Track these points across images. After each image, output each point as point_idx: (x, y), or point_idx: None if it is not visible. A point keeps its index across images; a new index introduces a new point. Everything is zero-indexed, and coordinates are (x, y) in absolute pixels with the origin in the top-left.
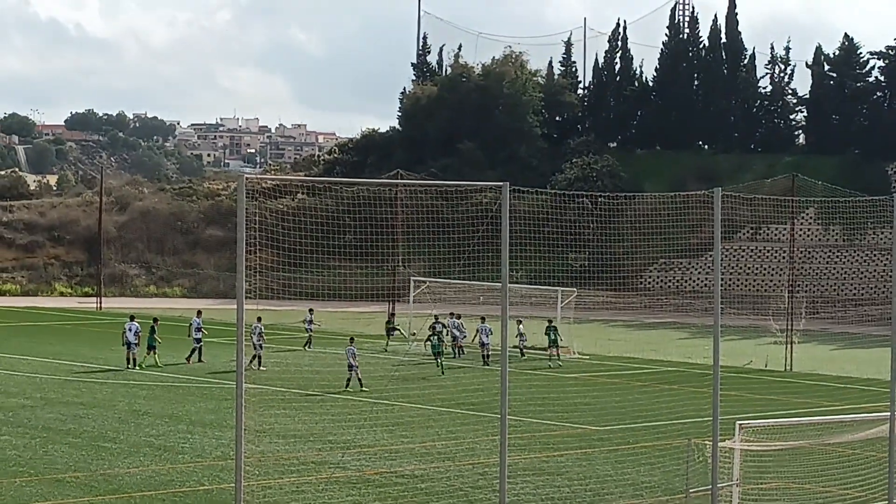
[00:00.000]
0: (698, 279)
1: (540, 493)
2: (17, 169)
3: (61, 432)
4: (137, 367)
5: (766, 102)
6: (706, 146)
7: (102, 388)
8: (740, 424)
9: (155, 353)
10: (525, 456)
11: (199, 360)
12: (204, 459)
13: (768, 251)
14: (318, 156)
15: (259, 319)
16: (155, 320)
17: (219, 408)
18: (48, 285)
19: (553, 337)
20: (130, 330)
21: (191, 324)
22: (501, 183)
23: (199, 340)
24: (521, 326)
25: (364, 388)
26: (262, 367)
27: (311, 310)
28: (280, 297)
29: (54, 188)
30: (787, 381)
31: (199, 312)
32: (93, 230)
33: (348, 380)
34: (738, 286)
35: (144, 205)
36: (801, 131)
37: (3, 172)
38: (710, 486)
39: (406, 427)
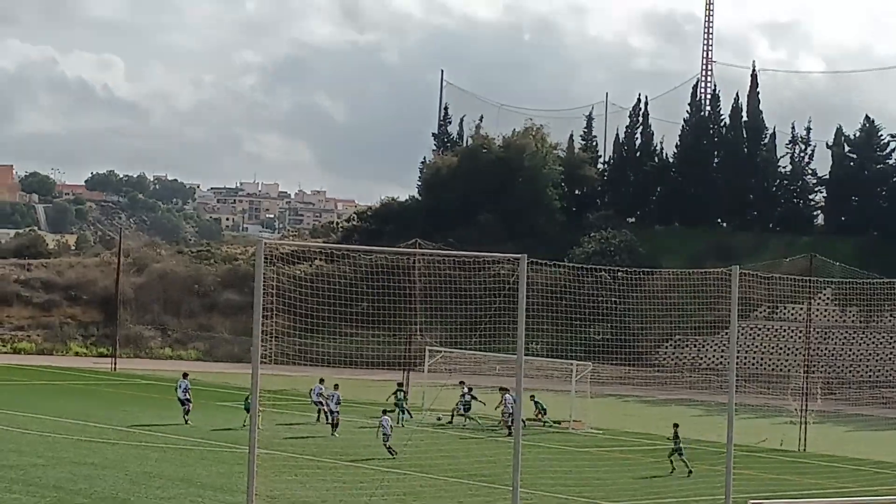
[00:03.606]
0: (713, 356)
1: None
2: (36, 228)
3: (72, 492)
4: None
5: (785, 182)
6: (724, 224)
7: (115, 449)
8: None
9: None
10: None
11: (185, 422)
12: None
13: (785, 330)
14: (337, 223)
15: (336, 387)
16: (185, 375)
17: (230, 472)
18: (64, 344)
19: (538, 404)
20: (180, 387)
21: (178, 385)
22: (519, 255)
23: (186, 402)
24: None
25: (393, 456)
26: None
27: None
28: (295, 363)
29: (73, 248)
30: (800, 461)
31: (185, 374)
32: (110, 291)
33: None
34: (753, 365)
35: (162, 267)
36: (820, 211)
37: (22, 231)
38: None
39: (417, 497)
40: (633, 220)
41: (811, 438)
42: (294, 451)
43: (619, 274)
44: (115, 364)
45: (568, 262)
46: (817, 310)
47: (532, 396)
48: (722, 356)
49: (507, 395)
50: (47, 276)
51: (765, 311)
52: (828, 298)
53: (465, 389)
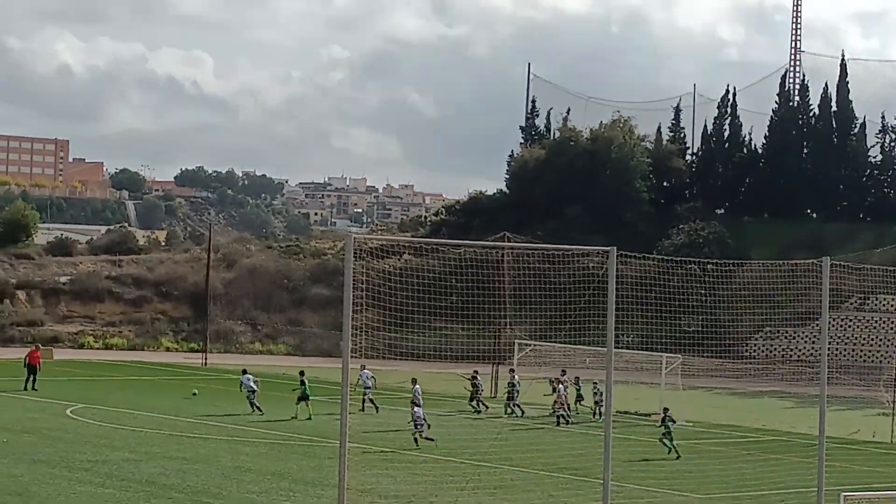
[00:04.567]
0: (804, 348)
1: None
2: (126, 224)
3: (164, 487)
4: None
5: (875, 171)
6: (814, 214)
7: (206, 444)
8: (845, 496)
9: (307, 405)
10: None
11: (257, 411)
12: None
13: (876, 321)
14: (425, 217)
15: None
16: (301, 373)
17: (321, 466)
18: (155, 340)
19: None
20: (248, 382)
21: (242, 382)
22: (609, 248)
23: (252, 393)
24: (598, 386)
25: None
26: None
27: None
28: (384, 357)
29: (163, 244)
30: (893, 453)
31: (245, 371)
32: (200, 286)
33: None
34: (844, 356)
35: (251, 262)
36: None
37: (113, 227)
38: None
39: (508, 490)
40: (722, 211)
41: None
42: (384, 444)
43: (709, 266)
44: (206, 359)
45: (657, 254)
46: None
47: (595, 384)
48: (813, 347)
49: (559, 386)
50: (138, 272)
51: (856, 301)
52: None
53: (513, 377)
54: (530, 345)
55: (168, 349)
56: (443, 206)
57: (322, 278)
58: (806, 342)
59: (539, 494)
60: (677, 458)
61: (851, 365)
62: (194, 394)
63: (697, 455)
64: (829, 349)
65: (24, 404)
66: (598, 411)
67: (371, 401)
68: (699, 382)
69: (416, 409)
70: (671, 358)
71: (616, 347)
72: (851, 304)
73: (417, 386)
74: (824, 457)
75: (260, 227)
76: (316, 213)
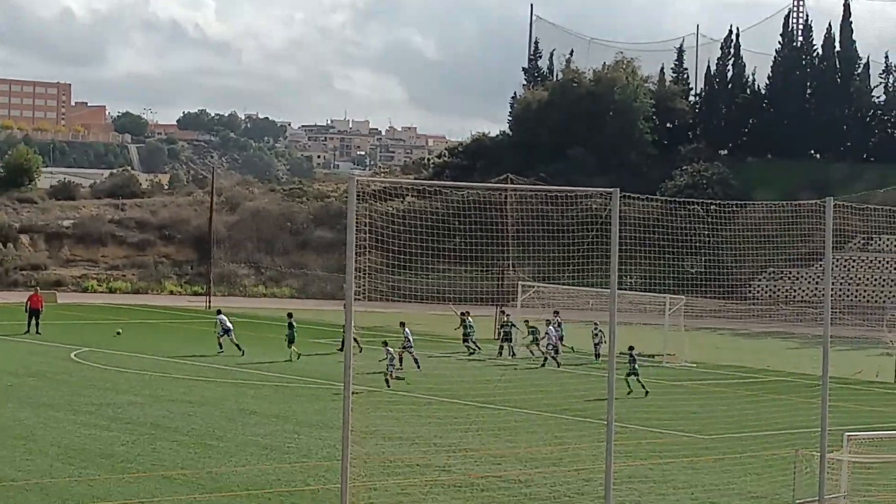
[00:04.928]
0: (808, 289)
1: (645, 501)
2: (129, 167)
3: (169, 430)
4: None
5: (879, 112)
6: (818, 155)
7: (210, 387)
8: (849, 436)
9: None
10: (630, 463)
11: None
12: (310, 460)
13: (880, 262)
14: (428, 159)
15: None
16: (289, 315)
17: (325, 409)
18: (158, 283)
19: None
20: (223, 322)
21: (217, 322)
22: (612, 189)
23: (227, 332)
24: (598, 328)
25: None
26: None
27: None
28: (388, 300)
29: (166, 187)
30: None
31: (220, 311)
32: (203, 229)
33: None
34: (848, 296)
35: (254, 205)
36: None
37: (115, 171)
38: (818, 498)
39: (511, 431)
40: (726, 152)
41: None
42: (391, 388)
43: (712, 207)
44: (210, 302)
45: (660, 195)
46: None
47: (595, 325)
48: (816, 288)
49: (549, 328)
50: (141, 215)
51: (859, 242)
52: None
53: (506, 318)
54: (534, 286)
55: (172, 293)
56: (446, 149)
57: (325, 221)
58: (809, 283)
59: (543, 436)
60: (646, 394)
61: (855, 305)
62: (118, 333)
63: (701, 396)
64: (832, 290)
65: (28, 348)
66: (598, 353)
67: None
68: (702, 323)
69: (387, 348)
70: (674, 299)
71: (619, 289)
72: (855, 244)
73: (408, 329)
74: (828, 397)
75: (263, 170)
76: (319, 156)
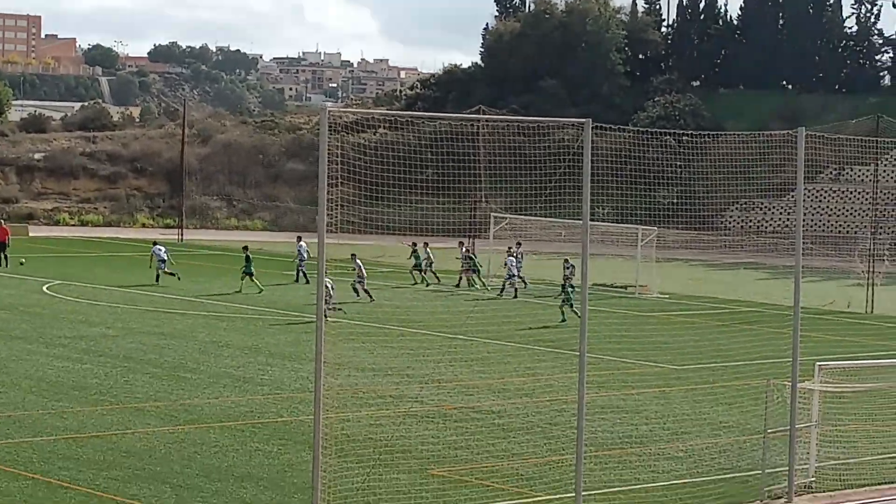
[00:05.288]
0: (779, 220)
1: (617, 431)
2: (100, 100)
3: (142, 362)
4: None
5: (851, 42)
6: (790, 86)
7: (183, 319)
8: (820, 365)
9: (253, 280)
10: (603, 393)
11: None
12: (283, 391)
13: (852, 193)
14: (400, 91)
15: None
16: (245, 248)
17: (298, 340)
18: (130, 216)
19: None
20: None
21: (153, 253)
22: (584, 120)
23: (163, 263)
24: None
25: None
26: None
27: (425, 244)
28: (360, 231)
29: (137, 120)
30: (867, 323)
31: (156, 242)
32: (175, 162)
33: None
34: (819, 227)
35: (226, 138)
36: (886, 72)
37: (86, 103)
38: (789, 427)
39: (484, 363)
40: (698, 83)
41: (878, 300)
42: (361, 318)
43: (684, 138)
44: (182, 235)
45: (632, 126)
46: (884, 171)
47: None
48: (788, 219)
49: (509, 258)
50: (113, 148)
51: (831, 173)
52: (895, 159)
53: (465, 249)
54: (506, 218)
55: (144, 225)
56: (418, 80)
57: (297, 153)
58: (781, 214)
59: (515, 367)
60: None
61: (826, 236)
62: (21, 263)
63: (673, 327)
64: (804, 220)
65: None
66: (566, 286)
67: (304, 274)
68: (674, 254)
69: (326, 280)
70: (647, 230)
71: (591, 220)
72: (827, 175)
73: (358, 260)
74: (799, 327)
75: (235, 102)
76: (291, 89)
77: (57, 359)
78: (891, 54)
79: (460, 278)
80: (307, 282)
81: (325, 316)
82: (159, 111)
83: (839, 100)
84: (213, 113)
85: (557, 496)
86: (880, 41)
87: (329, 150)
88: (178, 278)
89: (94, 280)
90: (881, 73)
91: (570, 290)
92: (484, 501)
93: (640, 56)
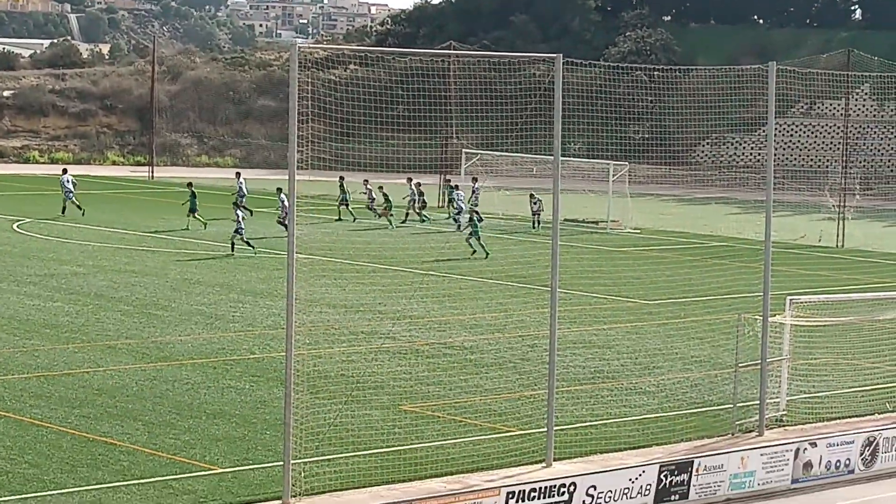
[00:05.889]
0: (751, 154)
1: (589, 366)
2: (69, 37)
3: (113, 300)
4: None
5: None
6: (761, 21)
7: (154, 257)
8: (791, 300)
9: (197, 216)
10: (574, 329)
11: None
12: (254, 328)
13: (822, 127)
14: (371, 27)
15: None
16: (189, 184)
17: (269, 277)
18: (101, 154)
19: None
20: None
21: (61, 182)
22: (555, 55)
23: (69, 194)
24: (535, 196)
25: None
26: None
27: (365, 181)
28: (332, 168)
29: (107, 57)
30: (838, 257)
31: (65, 170)
32: (145, 99)
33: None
34: (791, 162)
35: (196, 74)
36: (857, 6)
37: (55, 41)
38: (760, 361)
39: (455, 299)
40: (669, 18)
41: (849, 234)
42: (332, 255)
43: (655, 73)
44: (153, 172)
45: (604, 61)
46: (855, 105)
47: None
48: (759, 154)
49: (456, 192)
50: (82, 85)
51: (802, 107)
52: (865, 94)
53: (413, 186)
54: (477, 154)
55: (114, 163)
56: (388, 16)
57: (268, 90)
58: (752, 148)
59: (487, 302)
60: (486, 256)
61: (798, 171)
62: None
63: (644, 262)
64: (775, 155)
65: None
66: (535, 221)
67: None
68: (646, 190)
69: (238, 211)
70: (618, 166)
71: (563, 156)
72: (798, 110)
73: (283, 195)
74: (770, 261)
75: (204, 39)
76: (261, 25)
77: (28, 297)
78: None
79: (407, 214)
80: (82, 212)
81: (233, 246)
82: (129, 48)
83: (810, 34)
84: (183, 50)
85: (529, 431)
86: None
87: (300, 86)
88: (84, 213)
89: (63, 218)
90: (853, 7)
91: (477, 221)
92: (456, 437)
93: None
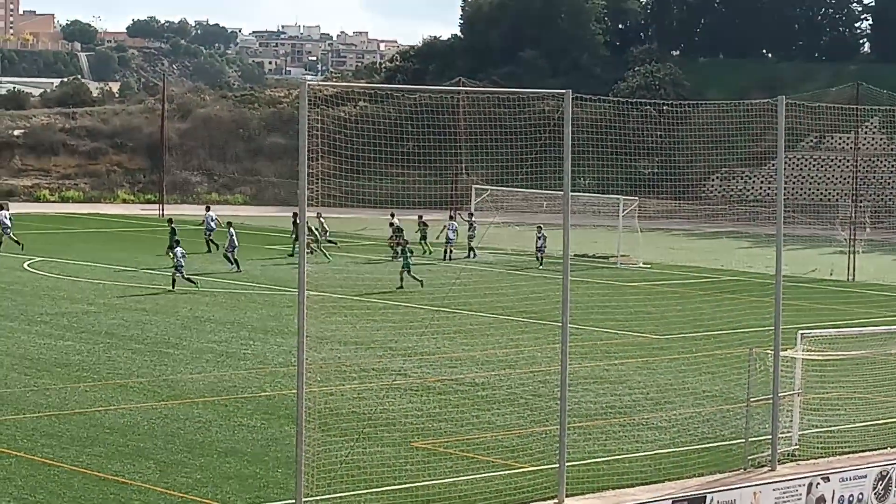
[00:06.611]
0: (760, 188)
1: (601, 402)
2: (79, 76)
3: (124, 338)
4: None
5: (831, 10)
6: (770, 54)
7: (165, 295)
8: (802, 334)
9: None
10: (586, 364)
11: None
12: (266, 366)
13: (832, 160)
14: (380, 63)
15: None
16: (170, 221)
17: (280, 314)
18: (111, 192)
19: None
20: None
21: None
22: (564, 91)
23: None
24: (541, 231)
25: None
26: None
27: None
28: (341, 205)
29: (116, 95)
30: (849, 290)
31: (2, 206)
32: (155, 137)
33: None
34: (800, 195)
35: (206, 112)
36: (866, 39)
37: (65, 79)
38: (772, 395)
39: (467, 335)
40: (678, 52)
41: (860, 267)
42: (343, 291)
43: (665, 107)
44: (163, 210)
45: (613, 96)
46: (864, 138)
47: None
48: (769, 187)
49: (450, 222)
50: (92, 124)
51: (812, 141)
52: (875, 127)
53: (396, 222)
54: (487, 190)
55: (125, 201)
56: (398, 53)
57: (278, 127)
58: (762, 182)
59: (498, 338)
60: (421, 284)
61: (808, 204)
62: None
63: (655, 296)
64: (785, 189)
65: None
66: (539, 257)
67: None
68: (656, 224)
69: (178, 249)
70: (628, 200)
71: (573, 191)
72: (807, 143)
73: (233, 230)
74: (781, 295)
75: (214, 76)
76: (270, 62)
77: (39, 336)
78: (870, 21)
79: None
80: (209, 251)
81: (174, 283)
82: (139, 86)
83: (819, 68)
84: (193, 87)
85: (541, 467)
86: (859, 8)
87: (309, 123)
88: (22, 247)
89: (75, 256)
90: (861, 41)
91: (408, 254)
92: (468, 473)
93: (620, 26)
